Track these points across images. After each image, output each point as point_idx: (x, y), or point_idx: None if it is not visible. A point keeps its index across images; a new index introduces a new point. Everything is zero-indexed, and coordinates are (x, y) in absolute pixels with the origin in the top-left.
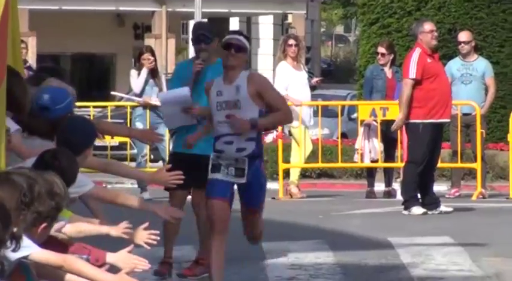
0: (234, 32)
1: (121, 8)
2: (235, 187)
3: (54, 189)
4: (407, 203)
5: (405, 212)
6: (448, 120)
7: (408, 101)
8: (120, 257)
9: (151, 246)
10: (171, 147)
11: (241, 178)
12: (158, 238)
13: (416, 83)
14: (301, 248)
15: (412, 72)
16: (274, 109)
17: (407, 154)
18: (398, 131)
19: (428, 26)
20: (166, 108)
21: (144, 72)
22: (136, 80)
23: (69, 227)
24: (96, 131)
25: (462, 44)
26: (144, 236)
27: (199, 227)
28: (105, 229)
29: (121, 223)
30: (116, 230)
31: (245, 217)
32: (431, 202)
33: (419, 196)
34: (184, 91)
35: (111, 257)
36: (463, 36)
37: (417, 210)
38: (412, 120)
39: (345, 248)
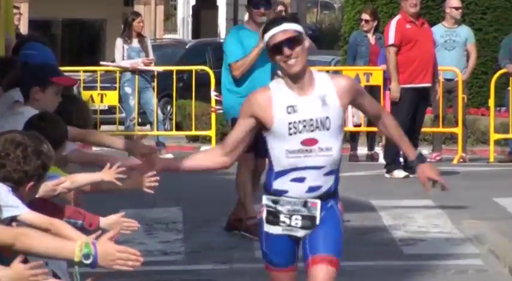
0: (275, 22)
1: None
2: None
3: (39, 148)
4: (390, 167)
5: (387, 175)
6: (428, 84)
7: (395, 67)
8: (111, 222)
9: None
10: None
11: (310, 230)
12: (157, 184)
13: (397, 48)
14: None
15: (391, 38)
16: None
17: None
18: (382, 96)
19: None
20: None
21: (120, 45)
22: (117, 52)
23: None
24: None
25: (455, 9)
26: (145, 181)
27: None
28: (97, 176)
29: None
30: (109, 175)
31: (310, 271)
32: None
33: (401, 159)
34: None
35: (104, 222)
36: (455, 2)
37: (399, 173)
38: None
39: None
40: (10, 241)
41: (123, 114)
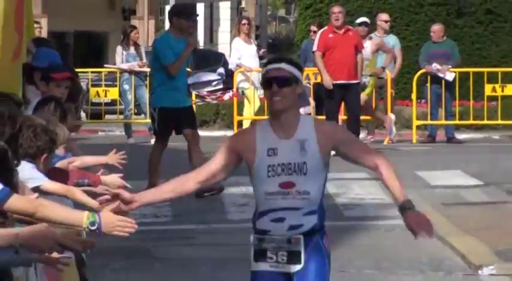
0: (270, 61)
1: None
2: None
3: (46, 127)
4: None
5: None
6: (348, 81)
7: (322, 67)
8: (110, 180)
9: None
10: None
11: (297, 265)
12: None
13: (322, 53)
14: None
15: (315, 45)
16: (366, 161)
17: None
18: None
19: (333, 9)
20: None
21: (120, 51)
22: (118, 57)
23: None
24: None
25: (384, 22)
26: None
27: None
28: (103, 159)
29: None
30: (112, 159)
31: None
32: None
33: None
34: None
35: (104, 180)
36: (385, 16)
37: None
38: (321, 83)
39: None
40: (32, 211)
41: (123, 106)
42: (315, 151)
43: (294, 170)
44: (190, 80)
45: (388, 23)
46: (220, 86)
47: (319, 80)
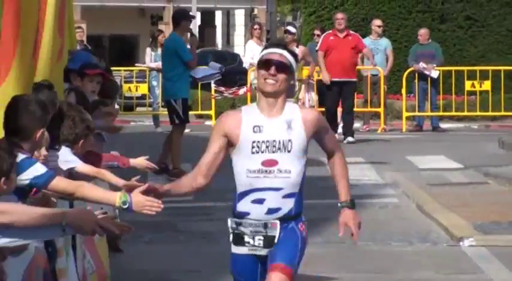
0: (275, 44)
1: (143, 4)
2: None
3: (82, 116)
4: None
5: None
6: (344, 79)
7: (322, 65)
8: (138, 162)
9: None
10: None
11: (271, 248)
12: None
13: (324, 52)
14: None
15: (319, 46)
16: (329, 153)
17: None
18: None
19: (337, 15)
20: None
21: (149, 52)
22: (147, 57)
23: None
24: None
25: (378, 27)
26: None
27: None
28: (121, 182)
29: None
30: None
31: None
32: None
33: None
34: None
35: (132, 162)
36: (378, 22)
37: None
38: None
39: None
40: (72, 191)
41: (151, 100)
42: (300, 130)
43: (279, 148)
44: (199, 74)
45: (381, 28)
46: (219, 77)
47: (320, 76)
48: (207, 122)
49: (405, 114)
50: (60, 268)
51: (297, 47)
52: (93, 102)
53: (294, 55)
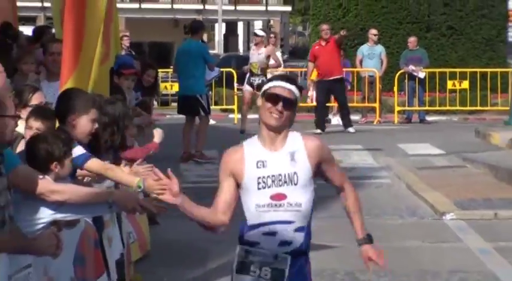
0: (284, 78)
1: (177, 16)
2: None
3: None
4: (320, 124)
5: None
6: (327, 79)
7: (309, 72)
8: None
9: None
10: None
11: None
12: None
13: (313, 61)
14: None
15: (309, 56)
16: (338, 187)
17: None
18: None
19: (323, 27)
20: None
21: None
22: None
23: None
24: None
25: (373, 35)
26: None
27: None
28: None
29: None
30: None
31: None
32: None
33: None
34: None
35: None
36: (374, 31)
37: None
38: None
39: None
40: (102, 172)
41: None
42: (305, 161)
43: (285, 181)
44: (211, 76)
45: (377, 36)
46: (217, 78)
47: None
48: (231, 115)
49: (397, 108)
50: (108, 236)
51: (265, 47)
52: (138, 102)
53: (300, 88)
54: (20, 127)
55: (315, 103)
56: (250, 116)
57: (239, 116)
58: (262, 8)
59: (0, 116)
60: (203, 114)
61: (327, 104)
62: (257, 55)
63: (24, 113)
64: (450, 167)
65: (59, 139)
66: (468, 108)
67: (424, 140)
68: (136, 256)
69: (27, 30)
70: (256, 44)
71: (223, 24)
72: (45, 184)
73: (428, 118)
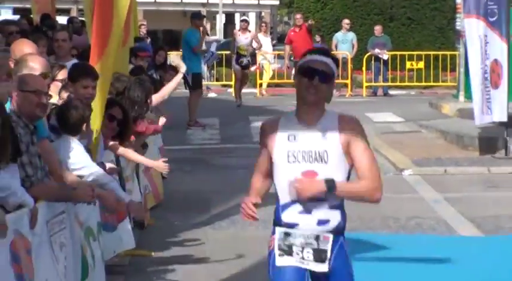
0: (318, 51)
1: (185, 9)
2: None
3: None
4: None
5: None
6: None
7: (286, 54)
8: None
9: None
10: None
11: (322, 264)
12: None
13: (290, 44)
14: None
15: (285, 40)
16: (358, 171)
17: None
18: None
19: (296, 15)
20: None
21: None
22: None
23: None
24: None
25: (346, 24)
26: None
27: None
28: (150, 163)
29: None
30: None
31: None
32: None
33: None
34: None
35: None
36: (347, 21)
37: None
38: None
39: None
40: (121, 153)
41: None
42: (336, 139)
43: (315, 158)
44: (206, 58)
45: (349, 25)
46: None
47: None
48: (229, 90)
49: (365, 84)
50: (128, 189)
51: (249, 32)
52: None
53: (336, 61)
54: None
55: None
56: (243, 90)
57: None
58: (255, 1)
59: (28, 92)
60: (188, 89)
61: None
62: (244, 39)
63: (53, 87)
64: (408, 132)
65: (86, 105)
66: (423, 84)
67: (387, 110)
68: (151, 204)
69: (61, 19)
70: (242, 29)
71: (223, 15)
72: (58, 168)
73: (391, 92)
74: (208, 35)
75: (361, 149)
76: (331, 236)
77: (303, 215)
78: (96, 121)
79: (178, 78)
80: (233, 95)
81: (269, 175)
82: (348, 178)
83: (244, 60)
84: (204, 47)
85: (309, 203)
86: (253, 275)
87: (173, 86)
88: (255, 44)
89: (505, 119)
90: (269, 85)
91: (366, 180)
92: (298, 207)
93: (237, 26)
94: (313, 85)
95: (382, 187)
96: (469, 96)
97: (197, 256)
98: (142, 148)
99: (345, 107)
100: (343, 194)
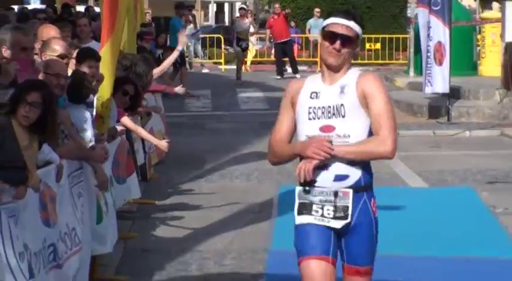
0: (343, 13)
1: None
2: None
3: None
4: (279, 72)
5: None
6: (281, 40)
7: (267, 36)
8: (177, 89)
9: None
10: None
11: (343, 220)
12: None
13: (270, 28)
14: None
15: (266, 25)
16: (374, 126)
17: None
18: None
19: (275, 5)
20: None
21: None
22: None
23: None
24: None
25: (317, 12)
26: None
27: None
28: (155, 141)
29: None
30: (163, 146)
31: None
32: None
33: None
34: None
35: (176, 90)
36: (318, 9)
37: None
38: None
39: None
40: (133, 129)
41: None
42: (352, 93)
43: (333, 113)
44: (191, 33)
45: (319, 12)
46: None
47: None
48: (219, 66)
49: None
50: (136, 148)
51: (247, 18)
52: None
53: (360, 22)
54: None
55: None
56: (231, 67)
57: (226, 66)
58: None
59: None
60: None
61: (283, 59)
62: (243, 25)
63: (70, 64)
64: None
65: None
66: (380, 62)
67: None
68: (154, 161)
69: (80, 8)
70: (241, 16)
71: (215, 4)
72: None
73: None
74: (190, 21)
75: (376, 103)
76: (351, 191)
77: (320, 171)
78: (107, 90)
79: (176, 54)
80: (223, 70)
81: (288, 138)
82: (370, 133)
83: (244, 44)
84: (187, 32)
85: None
86: (239, 219)
87: (171, 60)
88: (252, 29)
89: (447, 90)
90: (252, 62)
91: (375, 136)
92: (316, 163)
93: (226, 13)
94: (335, 49)
95: (393, 142)
96: (417, 72)
97: (192, 203)
98: (147, 116)
99: None
100: (350, 153)
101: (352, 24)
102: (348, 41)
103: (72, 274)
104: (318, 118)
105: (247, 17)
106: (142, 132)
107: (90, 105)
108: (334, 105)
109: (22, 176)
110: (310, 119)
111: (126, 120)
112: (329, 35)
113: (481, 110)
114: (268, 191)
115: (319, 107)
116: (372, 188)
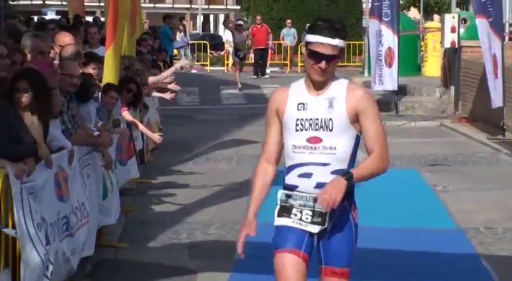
0: (328, 30)
1: (175, 11)
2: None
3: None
4: (256, 73)
5: (254, 76)
6: (259, 47)
7: (250, 43)
8: (181, 62)
9: None
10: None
11: (320, 226)
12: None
13: (252, 36)
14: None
15: (249, 34)
16: (370, 142)
17: None
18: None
19: (257, 17)
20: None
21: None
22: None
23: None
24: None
25: (289, 23)
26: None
27: None
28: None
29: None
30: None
31: None
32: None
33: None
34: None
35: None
36: (289, 20)
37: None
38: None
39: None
40: (131, 121)
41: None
42: (341, 109)
43: (321, 126)
44: (176, 46)
45: (290, 23)
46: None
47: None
48: (206, 68)
49: (299, 64)
50: (135, 136)
51: (244, 31)
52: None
53: (345, 34)
54: None
55: (253, 61)
56: (216, 68)
57: (211, 68)
58: (224, 6)
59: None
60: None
61: (260, 62)
62: (240, 37)
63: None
64: None
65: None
66: (339, 64)
67: None
68: (151, 146)
69: (89, 18)
70: (238, 31)
71: (202, 16)
72: (83, 124)
73: None
74: (180, 30)
75: (369, 121)
76: None
77: (302, 178)
78: (110, 77)
79: (171, 71)
80: (209, 71)
81: (277, 157)
82: (357, 145)
83: (241, 54)
84: (178, 38)
85: (311, 167)
86: (222, 195)
87: (167, 75)
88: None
89: (396, 88)
90: (233, 64)
91: (373, 155)
92: (299, 170)
93: (211, 24)
94: (320, 68)
95: (388, 156)
96: (370, 72)
97: (183, 182)
98: (144, 108)
99: (285, 79)
100: (360, 179)
101: (337, 42)
102: (332, 59)
103: (82, 241)
104: (306, 129)
105: (243, 30)
106: (140, 126)
107: (96, 100)
108: (322, 119)
109: (33, 148)
110: (297, 130)
111: (126, 114)
112: (314, 55)
113: (424, 104)
114: (246, 172)
115: (306, 119)
116: (353, 195)
